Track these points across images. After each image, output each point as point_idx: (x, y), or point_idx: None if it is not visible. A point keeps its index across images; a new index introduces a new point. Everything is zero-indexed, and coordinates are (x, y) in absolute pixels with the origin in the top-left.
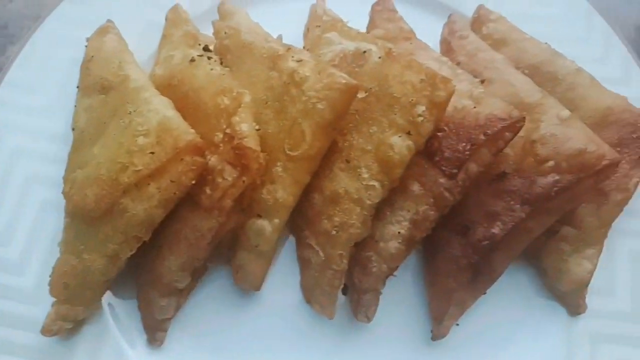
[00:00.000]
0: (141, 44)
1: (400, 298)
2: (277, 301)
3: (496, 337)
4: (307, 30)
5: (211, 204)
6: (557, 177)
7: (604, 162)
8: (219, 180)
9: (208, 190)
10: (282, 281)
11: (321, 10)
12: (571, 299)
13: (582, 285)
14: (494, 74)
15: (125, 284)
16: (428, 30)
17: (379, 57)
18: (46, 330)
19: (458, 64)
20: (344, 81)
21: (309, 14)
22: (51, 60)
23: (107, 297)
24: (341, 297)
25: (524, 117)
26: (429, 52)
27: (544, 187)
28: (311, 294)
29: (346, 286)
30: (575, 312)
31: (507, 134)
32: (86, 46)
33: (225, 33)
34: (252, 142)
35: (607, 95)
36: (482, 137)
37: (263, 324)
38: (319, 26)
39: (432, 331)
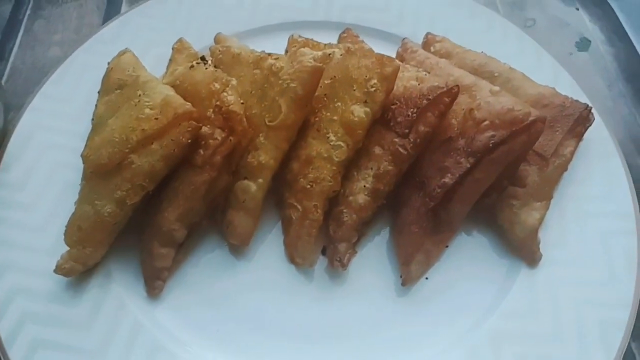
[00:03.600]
0: (153, 71)
1: (374, 256)
2: (265, 264)
3: (463, 290)
4: (286, 52)
5: (204, 161)
6: (492, 133)
7: (531, 118)
8: (210, 141)
9: (201, 151)
10: (269, 244)
11: (297, 36)
12: (527, 248)
13: (533, 231)
14: (438, 71)
15: (128, 248)
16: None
17: (341, 55)
18: (59, 269)
19: None
20: (310, 64)
21: (287, 42)
22: (79, 79)
23: (112, 257)
24: (322, 263)
25: (458, 86)
26: None
27: (482, 140)
28: (294, 249)
29: (325, 248)
30: (532, 261)
31: (445, 99)
32: (107, 66)
33: (219, 51)
34: (236, 107)
35: (539, 85)
36: (424, 101)
37: (252, 279)
38: (295, 46)
39: (401, 276)
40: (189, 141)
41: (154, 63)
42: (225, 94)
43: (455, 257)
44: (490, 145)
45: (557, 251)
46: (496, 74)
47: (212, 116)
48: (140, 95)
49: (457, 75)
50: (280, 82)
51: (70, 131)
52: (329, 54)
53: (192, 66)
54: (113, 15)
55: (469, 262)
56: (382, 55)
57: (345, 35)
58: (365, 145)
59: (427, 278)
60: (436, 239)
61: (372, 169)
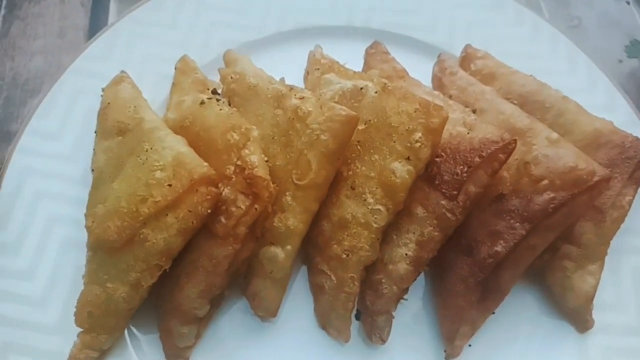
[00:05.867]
0: (153, 94)
1: (413, 321)
2: (294, 328)
3: (509, 356)
4: (307, 73)
5: (226, 232)
6: (552, 195)
7: (595, 178)
8: (233, 209)
9: (223, 220)
10: (297, 309)
11: (319, 55)
12: (578, 316)
13: (588, 300)
14: (484, 104)
15: (146, 317)
16: (419, 70)
17: (376, 92)
18: (73, 359)
19: (450, 97)
20: (344, 113)
21: (307, 60)
22: (70, 109)
23: (130, 329)
24: (356, 323)
25: (515, 140)
26: (422, 87)
27: (540, 204)
28: (326, 319)
29: (359, 311)
30: (583, 328)
31: (500, 155)
32: (102, 95)
33: (231, 78)
34: (261, 171)
35: (595, 119)
36: (477, 159)
37: (281, 351)
38: (318, 69)
39: (445, 351)
40: (209, 211)
41: (154, 83)
42: (247, 151)
43: (498, 318)
44: (550, 209)
45: (611, 315)
46: (548, 105)
47: (233, 176)
48: (147, 150)
49: (508, 113)
50: (308, 131)
51: (65, 176)
52: (361, 88)
53: (202, 102)
54: (100, 13)
55: (513, 324)
56: (427, 102)
57: (373, 51)
58: (406, 203)
59: (469, 345)
60: (483, 307)
61: (414, 233)
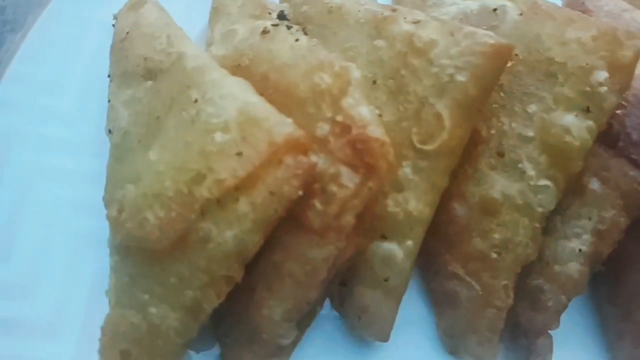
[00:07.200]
0: (184, 23)
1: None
2: (410, 354)
3: None
4: None
5: (325, 224)
6: None
7: None
8: (334, 189)
9: (318, 205)
10: (412, 326)
11: None
12: None
13: None
14: None
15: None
16: None
17: (520, 14)
18: None
19: None
20: (491, 41)
21: None
22: (67, 48)
23: None
24: None
25: None
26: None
27: None
28: (460, 343)
29: None
30: None
31: None
32: (114, 25)
33: None
34: (377, 131)
35: None
36: None
37: None
38: None
39: None
40: (300, 193)
41: (183, 10)
42: (350, 100)
43: None
44: None
45: None
46: None
47: (330, 139)
48: (197, 100)
49: None
50: (434, 70)
51: (65, 143)
52: (494, 10)
53: (265, 30)
54: None
55: None
56: (611, 27)
57: None
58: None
59: None
60: None
61: (589, 219)
